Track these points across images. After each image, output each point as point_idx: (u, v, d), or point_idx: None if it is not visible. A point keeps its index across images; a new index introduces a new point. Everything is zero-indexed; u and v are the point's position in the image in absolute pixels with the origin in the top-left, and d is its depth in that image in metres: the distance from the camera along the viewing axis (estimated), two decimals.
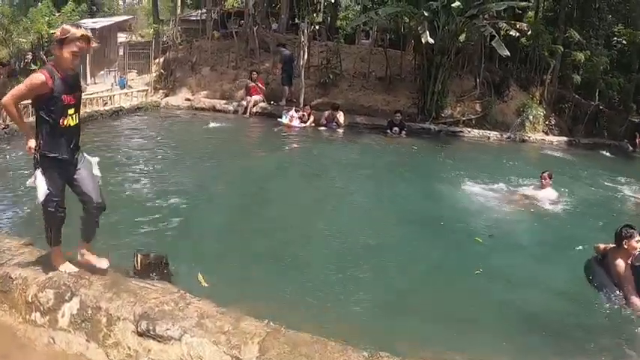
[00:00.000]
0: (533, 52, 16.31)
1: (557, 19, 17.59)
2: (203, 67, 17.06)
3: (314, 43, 15.81)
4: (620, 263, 4.56)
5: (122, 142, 10.47)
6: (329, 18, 18.47)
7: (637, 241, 4.48)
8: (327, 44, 16.14)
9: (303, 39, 14.13)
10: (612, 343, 4.09)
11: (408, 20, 14.67)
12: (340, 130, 13.00)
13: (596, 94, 18.63)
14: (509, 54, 13.34)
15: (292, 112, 13.20)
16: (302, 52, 14.16)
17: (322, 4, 13.77)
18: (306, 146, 11.72)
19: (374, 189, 8.26)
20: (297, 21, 16.81)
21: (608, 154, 15.70)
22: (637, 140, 19.04)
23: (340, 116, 13.13)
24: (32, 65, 13.00)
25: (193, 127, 12.90)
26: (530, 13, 19.37)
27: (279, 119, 13.35)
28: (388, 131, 13.04)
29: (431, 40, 12.59)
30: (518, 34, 13.29)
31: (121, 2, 37.26)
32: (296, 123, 13.03)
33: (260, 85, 14.71)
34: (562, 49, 16.09)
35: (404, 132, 13.18)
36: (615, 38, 17.95)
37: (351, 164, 9.92)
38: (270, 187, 7.81)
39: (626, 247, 4.51)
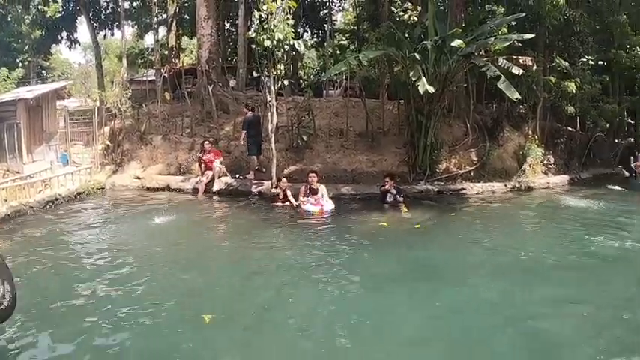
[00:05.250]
0: (522, 86, 13.69)
1: (536, 45, 15.08)
2: (154, 137, 13.81)
3: (279, 99, 12.80)
4: None
5: (27, 262, 6.80)
6: (291, 71, 15.46)
7: None
8: (294, 99, 13.16)
9: (269, 97, 11.02)
10: None
11: (391, 65, 11.73)
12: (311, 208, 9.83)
13: (583, 122, 16.49)
14: (520, 97, 10.63)
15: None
16: (270, 112, 11.03)
17: (284, 55, 10.66)
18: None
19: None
20: (255, 74, 13.72)
21: (618, 188, 13.34)
22: (633, 165, 16.94)
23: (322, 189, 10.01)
24: None
25: (135, 226, 9.27)
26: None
27: (306, 210, 9.87)
28: (386, 204, 10.06)
29: (431, 89, 9.79)
30: (521, 71, 10.58)
31: (75, 65, 33.51)
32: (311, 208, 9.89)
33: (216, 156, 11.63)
34: (553, 80, 13.56)
35: (400, 197, 10.24)
36: (600, 62, 15.62)
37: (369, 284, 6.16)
38: None
39: None
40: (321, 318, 4.94)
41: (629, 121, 20.65)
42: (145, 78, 17.72)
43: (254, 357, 4.20)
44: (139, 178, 13.04)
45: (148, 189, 12.37)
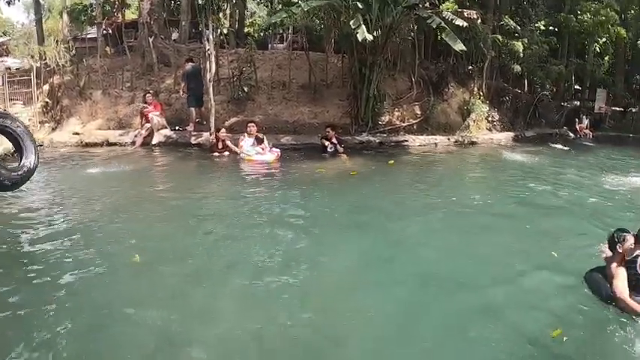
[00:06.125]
0: (469, 43, 13.62)
1: (486, 6, 15.02)
2: (94, 92, 13.19)
3: (222, 52, 12.41)
4: (614, 266, 3.98)
5: None
6: (236, 23, 14.95)
7: (630, 244, 4.00)
8: (237, 52, 12.75)
9: (208, 47, 10.63)
10: None
11: (335, 15, 11.41)
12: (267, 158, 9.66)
13: (526, 83, 16.61)
14: (465, 48, 10.53)
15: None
16: (209, 62, 10.64)
17: (228, 8, 10.26)
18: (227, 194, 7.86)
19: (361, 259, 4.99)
20: (200, 28, 13.21)
21: (561, 146, 13.54)
22: (578, 126, 17.25)
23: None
24: None
25: (70, 177, 8.83)
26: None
27: (241, 154, 9.80)
28: (326, 153, 9.92)
29: (369, 37, 9.60)
30: (465, 24, 10.44)
31: (18, 26, 31.79)
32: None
33: (155, 108, 11.20)
34: (500, 39, 13.53)
35: (341, 148, 10.13)
36: (551, 28, 15.71)
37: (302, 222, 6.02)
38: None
39: (620, 251, 4.03)
40: (249, 259, 4.70)
41: (577, 87, 21.03)
42: (88, 36, 16.86)
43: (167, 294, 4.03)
44: (77, 133, 12.47)
45: (87, 144, 11.86)
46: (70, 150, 11.58)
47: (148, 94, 11.62)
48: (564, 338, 3.43)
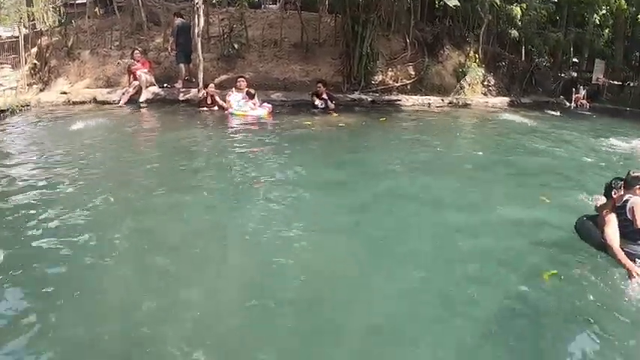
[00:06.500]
0: (465, 2, 13.30)
1: None
2: (82, 52, 12.88)
3: (213, 10, 12.10)
4: (605, 213, 3.86)
5: None
6: None
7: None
8: (228, 10, 12.43)
9: (197, 1, 10.32)
10: None
11: None
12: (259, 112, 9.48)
13: (523, 51, 16.30)
14: (459, 4, 10.26)
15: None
16: (197, 17, 10.36)
17: None
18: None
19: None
20: None
21: (556, 113, 13.30)
22: (574, 96, 16.96)
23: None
24: None
25: (55, 131, 8.63)
26: None
27: (231, 110, 9.59)
28: (315, 109, 9.73)
29: None
30: None
31: None
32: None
33: (143, 66, 10.94)
34: (498, 3, 13.20)
35: (332, 104, 9.91)
36: None
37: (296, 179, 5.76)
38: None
39: (615, 197, 3.96)
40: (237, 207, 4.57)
41: (575, 60, 20.72)
42: (77, 1, 16.50)
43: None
44: (65, 93, 12.24)
45: (74, 103, 11.64)
46: (57, 109, 11.37)
47: (136, 51, 11.32)
48: (561, 277, 3.37)
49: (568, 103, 16.73)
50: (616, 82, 19.98)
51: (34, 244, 3.57)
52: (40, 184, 4.99)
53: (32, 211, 4.16)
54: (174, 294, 3.04)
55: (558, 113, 13.62)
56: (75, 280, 3.13)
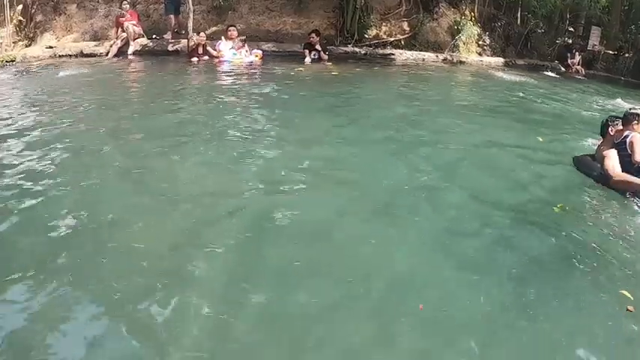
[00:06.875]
0: None
1: None
2: (69, 5, 12.51)
3: None
4: (604, 148, 4.05)
5: None
6: None
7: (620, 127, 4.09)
8: None
9: None
10: None
11: None
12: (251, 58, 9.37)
13: (519, 15, 16.03)
14: None
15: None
16: None
17: None
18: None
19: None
20: None
21: (553, 74, 13.21)
22: (569, 61, 16.79)
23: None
24: None
25: (40, 81, 8.42)
26: None
27: (221, 58, 9.53)
28: (307, 59, 9.55)
29: None
30: None
31: None
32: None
33: (131, 17, 10.66)
34: None
35: (325, 55, 9.72)
36: None
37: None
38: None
39: (612, 133, 4.11)
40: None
41: (571, 29, 20.49)
42: None
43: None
44: (51, 47, 11.93)
45: (61, 56, 11.36)
46: (43, 62, 11.08)
47: (124, 2, 11.03)
48: (566, 207, 3.46)
49: (563, 69, 16.60)
50: (611, 52, 19.86)
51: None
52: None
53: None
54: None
55: (555, 74, 13.50)
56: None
